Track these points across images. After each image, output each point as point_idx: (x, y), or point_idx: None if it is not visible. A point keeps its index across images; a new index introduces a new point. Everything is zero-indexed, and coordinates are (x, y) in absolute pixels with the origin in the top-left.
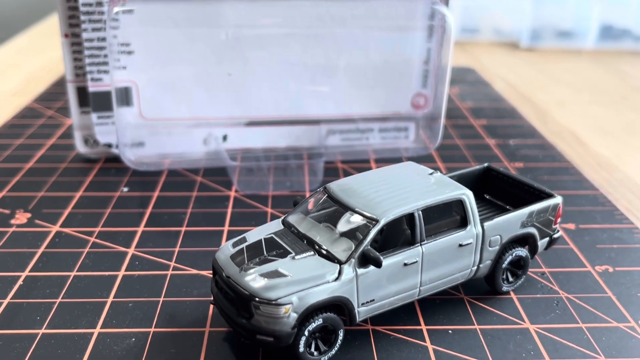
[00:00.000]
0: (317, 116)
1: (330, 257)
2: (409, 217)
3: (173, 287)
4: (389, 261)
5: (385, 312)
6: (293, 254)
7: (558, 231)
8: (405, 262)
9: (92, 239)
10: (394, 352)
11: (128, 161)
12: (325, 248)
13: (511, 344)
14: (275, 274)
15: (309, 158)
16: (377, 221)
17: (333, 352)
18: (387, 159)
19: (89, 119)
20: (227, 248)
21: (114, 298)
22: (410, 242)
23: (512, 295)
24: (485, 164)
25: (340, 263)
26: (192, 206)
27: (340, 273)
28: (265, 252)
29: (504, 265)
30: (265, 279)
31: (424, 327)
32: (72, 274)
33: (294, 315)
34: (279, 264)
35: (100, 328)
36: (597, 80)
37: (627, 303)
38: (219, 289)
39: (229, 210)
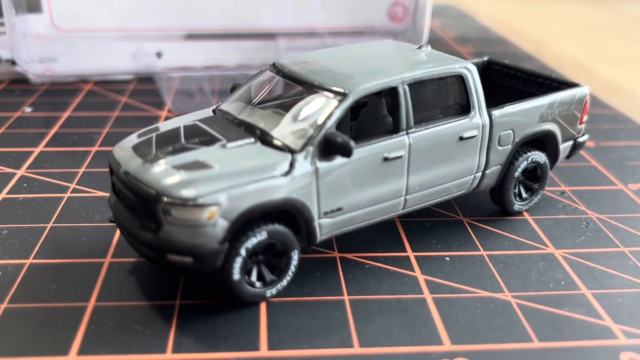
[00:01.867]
0: (272, 29)
1: (278, 146)
2: (392, 95)
3: (69, 211)
4: (363, 152)
5: (355, 235)
6: (224, 141)
7: (584, 133)
8: (387, 155)
9: None
10: (371, 284)
11: (32, 72)
12: (271, 134)
13: (533, 273)
14: (195, 165)
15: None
16: (345, 95)
17: (284, 283)
18: None
19: None
20: (129, 140)
21: None
22: (394, 130)
23: (527, 216)
24: (485, 57)
25: (293, 152)
26: (110, 126)
27: (291, 165)
28: (182, 140)
29: (516, 174)
30: (180, 171)
31: (410, 254)
32: None
33: (223, 223)
34: (202, 153)
35: None
36: (591, 17)
37: None
38: (117, 195)
39: None
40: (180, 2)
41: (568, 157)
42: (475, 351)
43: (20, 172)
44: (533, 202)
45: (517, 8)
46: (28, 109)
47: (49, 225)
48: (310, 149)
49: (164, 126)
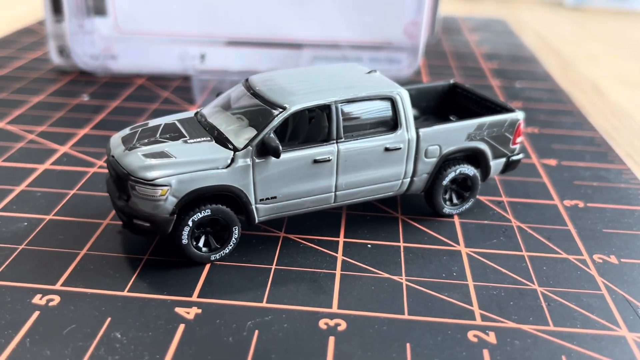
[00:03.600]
0: (300, 40)
1: (226, 145)
2: (328, 111)
3: (90, 183)
4: (295, 155)
5: (302, 221)
6: (187, 137)
7: (518, 153)
8: (316, 158)
9: (31, 137)
10: (298, 259)
11: (78, 59)
12: (225, 135)
13: (434, 264)
14: (160, 155)
15: None
16: (284, 109)
17: (226, 251)
18: None
19: (63, 28)
20: (124, 131)
21: (25, 187)
22: (326, 139)
23: (456, 218)
24: (451, 80)
25: (236, 150)
26: (146, 117)
27: (233, 160)
28: (157, 135)
29: (444, 182)
30: (148, 158)
31: (341, 239)
32: None
33: (173, 200)
34: (168, 146)
35: None
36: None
37: (586, 238)
38: (109, 172)
39: None
40: (223, 12)
41: (503, 172)
42: (353, 315)
43: (64, 149)
44: (464, 207)
45: (570, 28)
46: (86, 97)
47: (72, 192)
48: (250, 148)
49: (153, 122)
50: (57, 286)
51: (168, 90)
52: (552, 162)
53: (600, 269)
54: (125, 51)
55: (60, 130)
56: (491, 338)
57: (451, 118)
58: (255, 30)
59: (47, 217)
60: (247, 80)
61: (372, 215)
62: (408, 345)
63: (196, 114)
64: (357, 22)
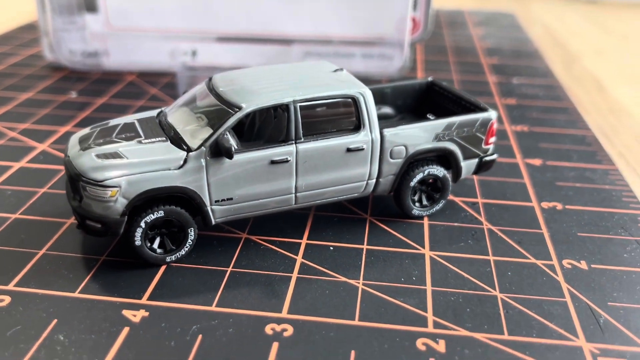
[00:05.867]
0: (291, 35)
1: (180, 145)
2: (287, 111)
3: (62, 181)
4: (251, 156)
5: (267, 222)
6: (142, 137)
7: (492, 153)
8: (274, 159)
9: (13, 134)
10: (255, 261)
11: (62, 56)
12: (181, 135)
13: (394, 268)
14: (112, 156)
15: None
16: (239, 108)
17: (182, 252)
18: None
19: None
20: (83, 130)
21: None
22: (285, 139)
23: (425, 220)
24: (430, 78)
25: (190, 151)
26: (129, 113)
27: (185, 161)
28: (113, 135)
29: (412, 184)
30: (99, 159)
31: (304, 241)
32: None
33: (123, 201)
34: (121, 146)
35: None
36: None
37: (559, 242)
38: (65, 172)
39: None
40: (214, 8)
41: (475, 173)
42: (302, 320)
43: (42, 147)
44: (434, 209)
45: (583, 22)
46: (74, 94)
47: (42, 190)
48: (203, 149)
49: (113, 121)
50: (10, 286)
51: (157, 87)
52: (537, 161)
53: (567, 275)
54: (116, 48)
55: (42, 128)
56: (440, 346)
57: (428, 116)
58: (246, 26)
59: (13, 216)
60: (210, 79)
61: (339, 217)
62: (353, 352)
63: (159, 113)
64: (349, 18)
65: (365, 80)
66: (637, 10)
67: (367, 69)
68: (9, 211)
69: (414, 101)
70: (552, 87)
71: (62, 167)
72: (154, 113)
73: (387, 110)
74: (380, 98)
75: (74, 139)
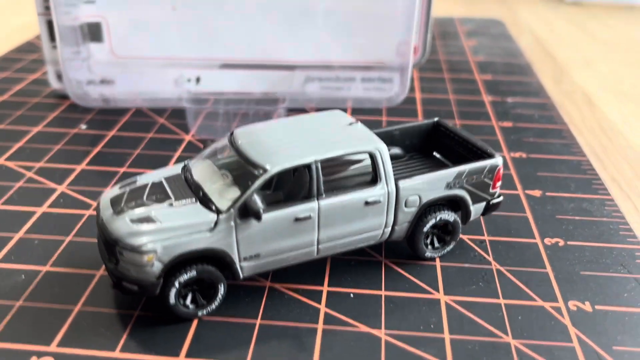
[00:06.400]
0: (293, 61)
1: (211, 207)
2: (308, 169)
3: (85, 227)
4: (277, 215)
5: (288, 269)
6: (172, 199)
7: (499, 196)
8: (298, 216)
9: (30, 174)
10: (281, 312)
11: (76, 98)
12: (209, 197)
13: (413, 315)
14: (146, 220)
15: (287, 105)
16: (265, 170)
17: (212, 307)
18: (365, 111)
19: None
20: (113, 190)
21: (23, 234)
22: (307, 196)
23: (437, 262)
24: (435, 119)
25: (219, 212)
26: (142, 147)
27: (216, 224)
28: (145, 197)
29: (425, 229)
30: (134, 224)
31: (325, 289)
32: None
33: (159, 265)
34: (153, 209)
35: None
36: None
37: (563, 281)
38: (98, 233)
39: (177, 155)
40: (218, 36)
41: (483, 214)
42: None
43: (61, 188)
44: (445, 250)
45: (568, 26)
46: (83, 127)
47: (68, 239)
48: (232, 211)
49: (141, 180)
50: (52, 347)
51: (163, 116)
52: (537, 192)
53: (574, 318)
54: (121, 76)
55: (58, 166)
56: None
57: (435, 154)
58: (249, 52)
59: (44, 269)
60: (231, 133)
61: (356, 260)
62: None
63: (183, 167)
64: (349, 44)
65: (367, 106)
66: (619, 12)
67: (367, 92)
68: (40, 263)
69: (420, 141)
70: (545, 107)
71: (82, 212)
72: (178, 169)
73: (396, 150)
74: (389, 140)
75: (105, 200)
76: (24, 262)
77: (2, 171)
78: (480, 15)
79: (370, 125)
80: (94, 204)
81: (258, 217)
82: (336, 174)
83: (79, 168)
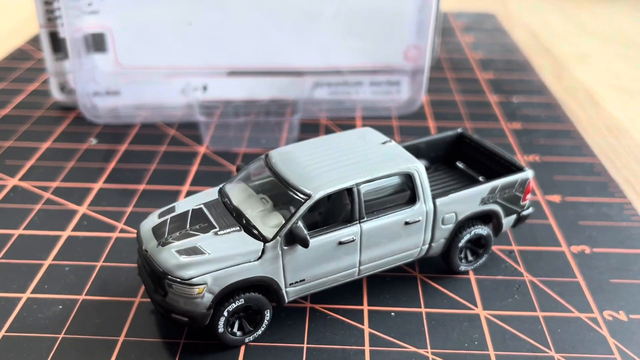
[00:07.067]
0: (301, 67)
1: (256, 234)
2: (349, 193)
3: (114, 251)
4: (321, 240)
5: (326, 289)
6: (217, 228)
7: (528, 207)
8: (341, 240)
9: (47, 195)
10: (327, 334)
11: (87, 112)
12: (253, 223)
13: (456, 332)
14: (193, 251)
15: (292, 112)
16: (309, 197)
17: (259, 332)
18: (376, 117)
19: (64, 66)
20: (152, 218)
21: (52, 260)
22: (349, 219)
23: (471, 275)
24: (459, 129)
25: (266, 241)
26: (157, 162)
27: (263, 252)
28: (188, 226)
29: (460, 244)
30: (182, 256)
31: (365, 308)
32: (17, 232)
33: (209, 296)
34: (200, 240)
35: (31, 293)
36: (632, 31)
37: (595, 291)
38: (141, 262)
39: (194, 169)
40: (223, 43)
41: (513, 226)
42: None
43: (82, 209)
44: (478, 263)
45: (560, 18)
46: (94, 141)
47: (99, 264)
48: (279, 238)
49: (179, 207)
50: None
51: (173, 126)
52: (557, 198)
53: (611, 328)
54: (126, 87)
55: (75, 185)
56: None
57: (458, 164)
58: (256, 59)
59: (80, 297)
60: (266, 155)
61: (391, 276)
62: None
63: (220, 191)
64: (357, 48)
65: (376, 112)
66: (604, 1)
67: (375, 96)
68: (75, 292)
69: (445, 152)
70: (550, 106)
71: (108, 234)
72: (215, 193)
73: (423, 163)
74: (416, 152)
75: (146, 230)
76: (58, 291)
77: (18, 193)
78: (472, 9)
79: (382, 130)
80: (119, 225)
81: (305, 244)
82: (375, 195)
83: (96, 187)
